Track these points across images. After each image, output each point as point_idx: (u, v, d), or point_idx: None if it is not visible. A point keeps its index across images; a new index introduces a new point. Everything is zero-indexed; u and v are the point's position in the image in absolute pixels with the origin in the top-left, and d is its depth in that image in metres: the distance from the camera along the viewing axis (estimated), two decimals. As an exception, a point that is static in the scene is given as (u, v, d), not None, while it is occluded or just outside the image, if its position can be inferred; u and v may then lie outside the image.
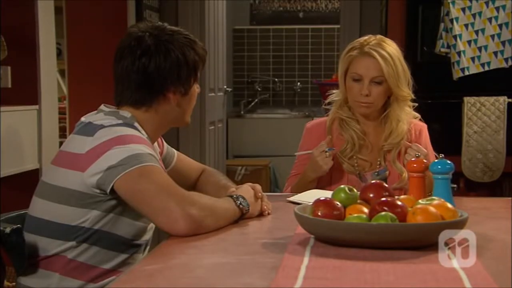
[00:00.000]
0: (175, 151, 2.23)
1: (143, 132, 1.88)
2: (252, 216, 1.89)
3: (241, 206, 1.84)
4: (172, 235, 1.68)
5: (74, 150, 1.81)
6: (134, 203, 1.74)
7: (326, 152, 2.27)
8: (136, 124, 1.87)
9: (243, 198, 1.86)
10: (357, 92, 2.34)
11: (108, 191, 1.74)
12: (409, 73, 2.37)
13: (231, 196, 1.86)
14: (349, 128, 2.40)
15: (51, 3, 3.53)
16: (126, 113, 1.89)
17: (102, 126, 1.81)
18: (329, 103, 2.48)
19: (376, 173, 2.39)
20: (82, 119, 1.90)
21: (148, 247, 1.93)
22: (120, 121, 1.84)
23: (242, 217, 1.86)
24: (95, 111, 1.93)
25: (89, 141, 1.78)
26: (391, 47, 2.34)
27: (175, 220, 1.66)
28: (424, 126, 2.47)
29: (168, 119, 1.96)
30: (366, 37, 2.38)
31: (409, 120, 2.41)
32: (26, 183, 3.23)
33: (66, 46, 4.33)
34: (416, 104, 2.43)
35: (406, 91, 2.35)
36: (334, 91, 2.48)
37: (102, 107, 1.93)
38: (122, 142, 1.76)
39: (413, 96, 2.38)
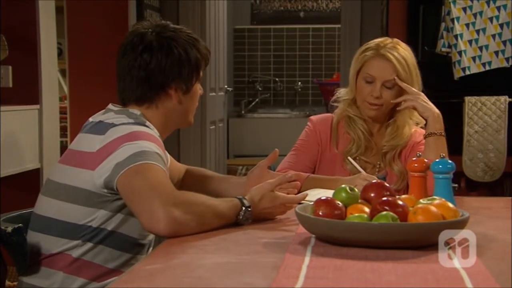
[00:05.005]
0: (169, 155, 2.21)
1: (155, 130, 1.87)
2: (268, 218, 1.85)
3: (239, 217, 1.76)
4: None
5: (84, 149, 1.81)
6: (125, 199, 1.72)
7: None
8: (148, 123, 1.86)
9: (250, 209, 1.78)
10: (368, 93, 2.31)
11: (115, 188, 1.73)
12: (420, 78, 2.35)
13: (243, 204, 1.77)
14: (356, 127, 2.37)
15: (52, 3, 3.53)
16: (135, 111, 1.89)
17: (114, 125, 1.80)
18: (335, 101, 2.43)
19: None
20: (90, 119, 1.90)
21: (151, 248, 1.92)
22: (131, 120, 1.83)
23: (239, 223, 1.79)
24: (102, 111, 1.92)
25: (100, 140, 1.78)
26: (406, 52, 2.33)
27: (157, 221, 1.62)
28: None
29: (172, 119, 1.94)
30: (382, 39, 2.36)
31: (412, 125, 2.39)
32: (27, 182, 3.25)
33: (67, 46, 4.33)
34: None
35: None
36: (341, 89, 2.45)
37: (110, 106, 1.93)
38: (131, 139, 1.75)
39: None
